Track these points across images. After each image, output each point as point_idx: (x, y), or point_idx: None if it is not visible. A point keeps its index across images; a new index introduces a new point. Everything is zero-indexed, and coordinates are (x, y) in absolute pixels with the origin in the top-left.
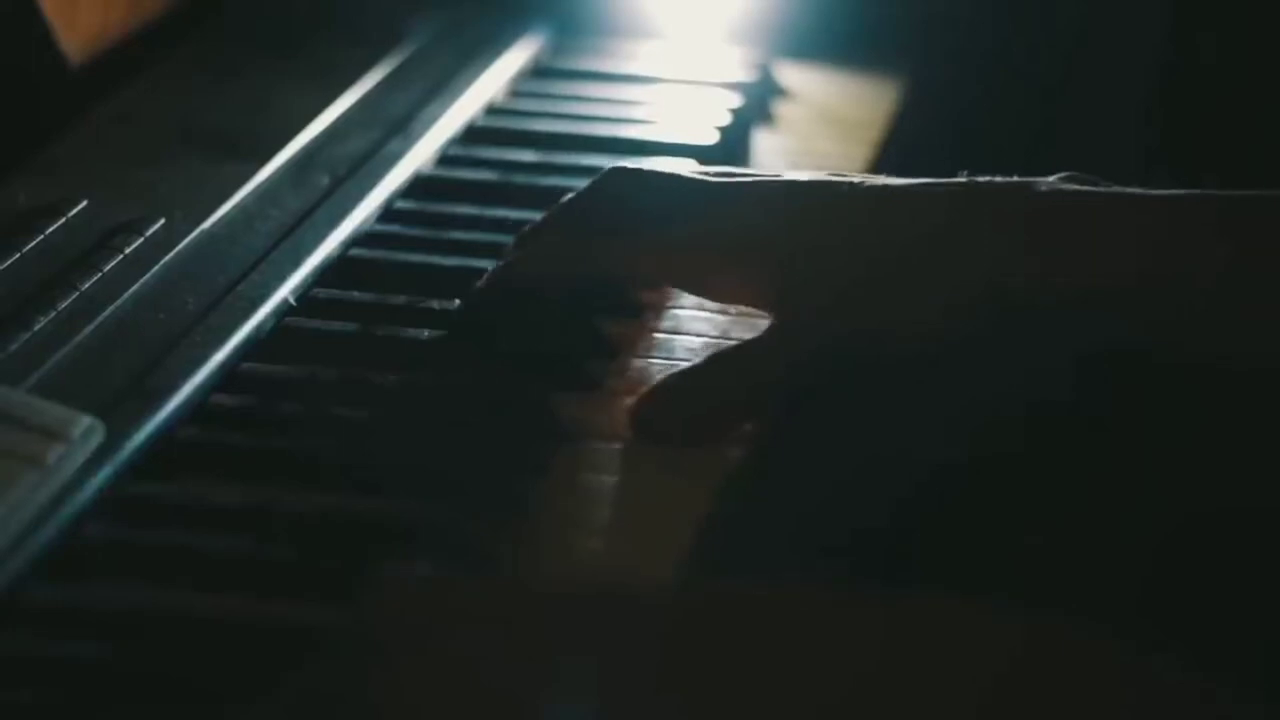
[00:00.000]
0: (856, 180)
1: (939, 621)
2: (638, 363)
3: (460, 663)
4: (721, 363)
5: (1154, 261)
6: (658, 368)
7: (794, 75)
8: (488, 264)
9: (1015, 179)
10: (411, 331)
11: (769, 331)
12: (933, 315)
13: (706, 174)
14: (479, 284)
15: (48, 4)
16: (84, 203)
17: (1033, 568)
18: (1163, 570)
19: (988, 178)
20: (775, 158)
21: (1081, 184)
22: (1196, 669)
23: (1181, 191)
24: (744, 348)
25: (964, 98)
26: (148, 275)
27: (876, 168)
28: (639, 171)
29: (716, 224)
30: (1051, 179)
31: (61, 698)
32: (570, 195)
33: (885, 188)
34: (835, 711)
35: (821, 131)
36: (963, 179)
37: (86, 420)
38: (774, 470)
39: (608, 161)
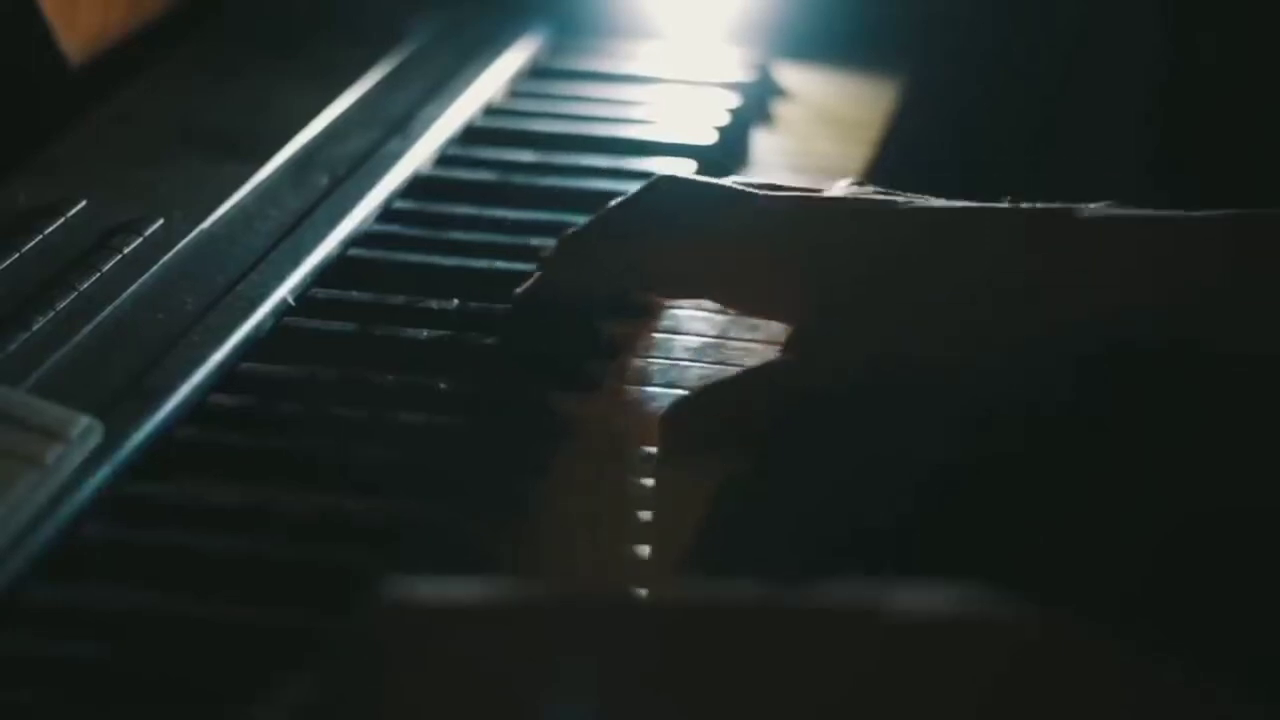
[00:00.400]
0: (902, 201)
1: (939, 621)
2: (638, 363)
3: (460, 663)
4: (752, 378)
5: (1154, 275)
6: (657, 367)
7: (793, 75)
8: (486, 264)
9: (1058, 205)
10: (410, 331)
11: (796, 347)
12: (938, 318)
13: (753, 186)
14: (523, 291)
15: (48, 4)
16: (83, 203)
17: (1033, 568)
18: (1163, 570)
19: (1030, 204)
20: (774, 158)
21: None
22: (1196, 669)
23: (1196, 213)
24: (774, 365)
25: (964, 98)
26: (146, 275)
27: (876, 168)
28: (688, 181)
29: (754, 238)
30: (1094, 205)
31: (60, 698)
32: (616, 201)
33: (929, 210)
34: (835, 711)
35: (820, 132)
36: (1005, 204)
37: (85, 420)
38: (774, 470)
39: (607, 162)
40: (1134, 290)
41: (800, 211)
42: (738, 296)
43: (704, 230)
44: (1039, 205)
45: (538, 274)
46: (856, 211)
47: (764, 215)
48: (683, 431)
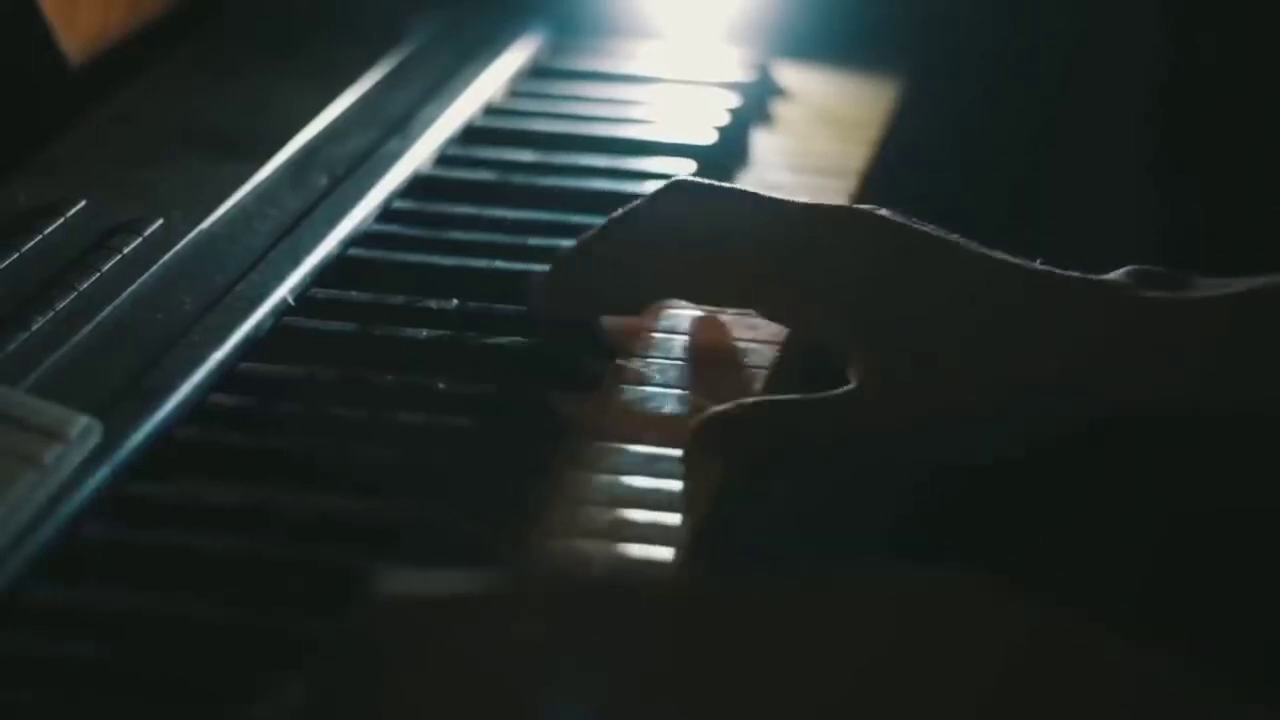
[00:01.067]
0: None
1: (938, 622)
2: (637, 363)
3: (460, 663)
4: (817, 410)
5: (1162, 352)
6: (657, 367)
7: (793, 75)
8: (486, 264)
9: (1089, 277)
10: (410, 331)
11: (867, 390)
12: (941, 315)
13: (764, 194)
14: (537, 307)
15: (48, 4)
16: (83, 202)
17: (1033, 567)
18: (1163, 570)
19: (1055, 270)
20: (774, 158)
21: (1147, 279)
22: (1196, 669)
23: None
24: (840, 402)
25: (964, 98)
26: (146, 275)
27: (875, 168)
28: (701, 185)
29: (777, 246)
30: (1119, 273)
31: (60, 698)
32: (627, 208)
33: (958, 249)
34: (835, 711)
35: (820, 131)
36: (1036, 265)
37: (84, 420)
38: (774, 470)
39: (607, 162)
40: (1143, 364)
41: (824, 216)
42: (756, 301)
43: (726, 237)
44: (1065, 274)
45: (546, 290)
46: (885, 221)
47: (786, 219)
48: (717, 444)
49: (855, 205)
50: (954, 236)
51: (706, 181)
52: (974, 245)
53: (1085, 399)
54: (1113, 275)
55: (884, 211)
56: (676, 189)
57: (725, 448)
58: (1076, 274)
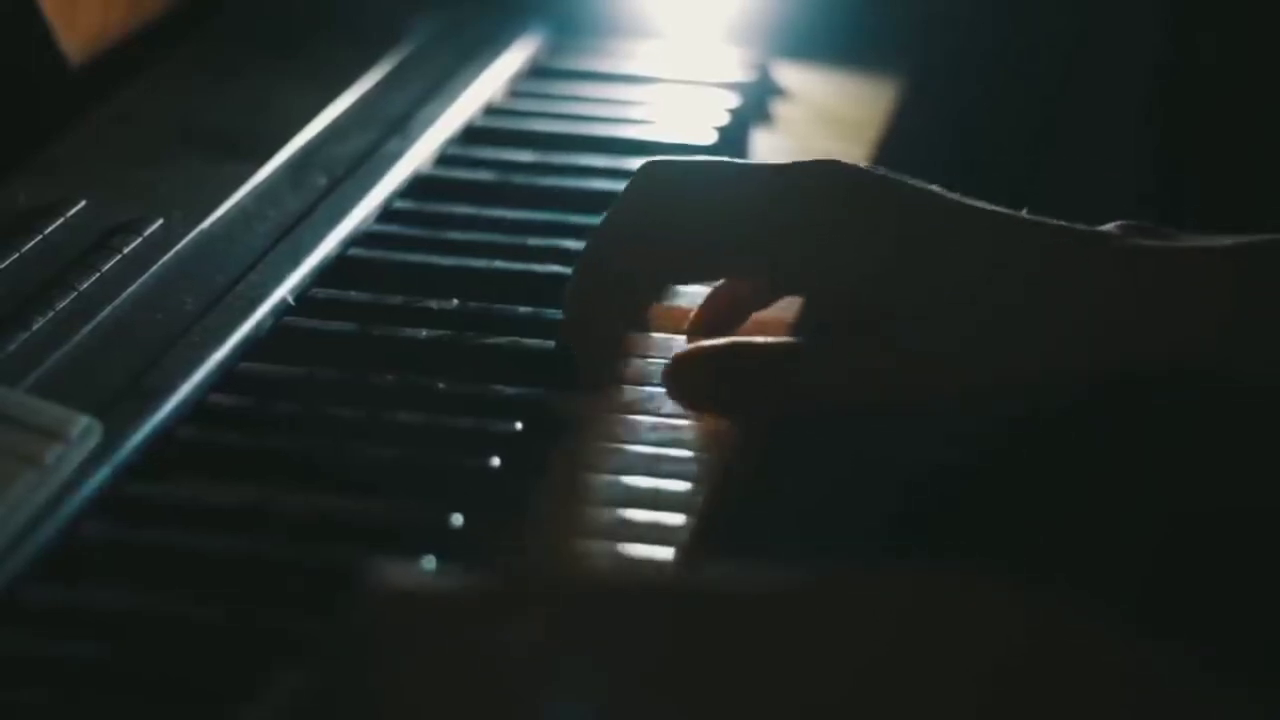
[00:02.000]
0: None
1: (939, 621)
2: (638, 363)
3: (460, 663)
4: (781, 356)
5: (1163, 308)
6: (657, 368)
7: (792, 75)
8: (486, 264)
9: (1089, 229)
10: (409, 331)
11: (835, 342)
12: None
13: (735, 162)
14: (563, 334)
15: (48, 4)
16: (83, 203)
17: (1033, 567)
18: (1163, 570)
19: (1050, 221)
20: (774, 158)
21: (1136, 233)
22: (1196, 669)
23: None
24: (808, 350)
25: (964, 98)
26: (146, 275)
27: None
28: (675, 163)
29: (757, 239)
30: (1109, 226)
31: (59, 698)
32: (613, 207)
33: (937, 204)
34: (836, 709)
35: (820, 131)
36: (1023, 214)
37: (84, 420)
38: (774, 469)
39: (607, 162)
40: (1143, 322)
41: (806, 193)
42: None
43: (702, 219)
44: (1060, 224)
45: (568, 312)
46: (873, 203)
47: (760, 194)
48: (689, 377)
49: (831, 171)
50: (945, 205)
51: (676, 160)
52: (967, 222)
53: (1084, 383)
54: (1104, 228)
55: (865, 171)
56: (653, 170)
57: (692, 388)
58: (1073, 233)
